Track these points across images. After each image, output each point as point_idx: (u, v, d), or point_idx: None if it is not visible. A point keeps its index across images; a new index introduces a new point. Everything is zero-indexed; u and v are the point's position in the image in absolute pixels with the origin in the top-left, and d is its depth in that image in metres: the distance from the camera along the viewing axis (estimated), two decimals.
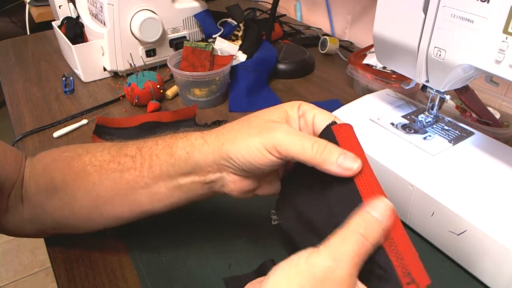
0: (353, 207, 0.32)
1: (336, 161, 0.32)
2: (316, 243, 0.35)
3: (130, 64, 0.80)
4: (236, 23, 0.96)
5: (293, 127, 0.37)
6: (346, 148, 0.34)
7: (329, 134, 0.36)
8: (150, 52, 0.88)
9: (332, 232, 0.30)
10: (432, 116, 0.55)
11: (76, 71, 0.89)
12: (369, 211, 0.30)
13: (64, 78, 0.88)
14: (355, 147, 0.35)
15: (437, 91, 0.51)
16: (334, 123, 0.37)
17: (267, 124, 0.36)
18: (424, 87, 0.52)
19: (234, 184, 0.38)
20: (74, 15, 0.97)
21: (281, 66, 0.89)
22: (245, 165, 0.36)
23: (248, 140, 0.35)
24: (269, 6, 0.99)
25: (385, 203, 0.30)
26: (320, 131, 0.37)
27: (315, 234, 0.35)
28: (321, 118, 0.37)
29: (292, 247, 0.47)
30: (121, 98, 0.81)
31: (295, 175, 0.39)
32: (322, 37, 1.02)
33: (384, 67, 0.75)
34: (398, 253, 0.29)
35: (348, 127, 0.36)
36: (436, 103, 0.54)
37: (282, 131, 0.34)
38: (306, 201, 0.37)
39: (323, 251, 0.28)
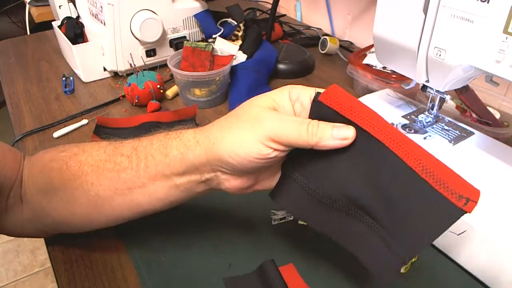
0: (381, 160, 0.32)
1: (331, 135, 0.33)
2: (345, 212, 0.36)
3: (130, 64, 0.80)
4: (236, 23, 0.96)
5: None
6: (349, 110, 0.33)
7: (321, 107, 0.35)
8: (150, 52, 0.88)
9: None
10: (432, 116, 0.55)
11: (76, 71, 0.89)
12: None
13: (64, 78, 0.88)
14: (354, 105, 0.34)
15: (437, 91, 0.51)
16: (318, 94, 0.35)
17: (257, 115, 0.35)
18: (424, 87, 0.52)
19: (228, 182, 0.38)
20: (74, 15, 0.97)
21: (281, 66, 0.89)
22: (240, 163, 0.35)
23: (240, 136, 0.34)
24: (269, 6, 0.99)
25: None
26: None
27: (344, 204, 0.35)
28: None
29: (293, 247, 0.47)
30: (121, 98, 0.81)
31: (298, 156, 0.38)
32: (322, 37, 1.02)
33: (384, 67, 0.75)
34: (441, 182, 0.30)
35: (334, 90, 0.35)
36: (436, 103, 0.54)
37: (274, 120, 0.34)
38: (321, 177, 0.36)
39: None
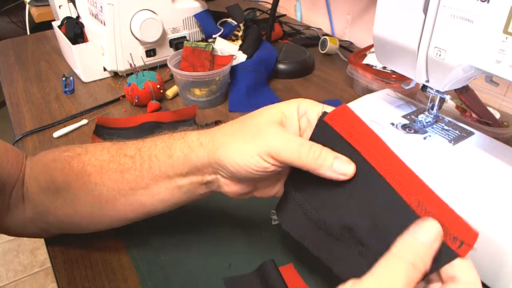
0: (377, 193, 0.31)
1: (332, 166, 0.32)
2: (335, 242, 0.34)
3: (130, 64, 0.80)
4: (236, 23, 0.96)
5: (288, 129, 0.36)
6: (352, 137, 0.33)
7: (326, 127, 0.35)
8: (150, 52, 0.88)
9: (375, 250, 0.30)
10: (432, 116, 0.55)
11: (76, 71, 0.89)
12: (418, 237, 0.27)
13: (64, 78, 0.88)
14: (359, 131, 0.33)
15: (437, 91, 0.51)
16: (325, 113, 0.35)
17: (261, 128, 0.35)
18: (424, 87, 0.52)
19: (227, 186, 0.38)
20: (74, 15, 0.97)
21: (281, 66, 0.89)
22: (238, 171, 0.35)
23: (242, 146, 0.35)
24: (269, 6, 0.99)
25: (433, 226, 0.27)
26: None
27: (337, 233, 0.35)
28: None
29: (293, 247, 0.47)
30: (121, 98, 0.81)
31: (299, 175, 0.38)
32: (322, 37, 1.02)
33: (384, 67, 0.75)
34: (437, 221, 0.28)
35: (341, 112, 0.34)
36: (436, 103, 0.54)
37: (277, 137, 0.34)
38: (318, 200, 0.36)
39: (367, 281, 0.26)
